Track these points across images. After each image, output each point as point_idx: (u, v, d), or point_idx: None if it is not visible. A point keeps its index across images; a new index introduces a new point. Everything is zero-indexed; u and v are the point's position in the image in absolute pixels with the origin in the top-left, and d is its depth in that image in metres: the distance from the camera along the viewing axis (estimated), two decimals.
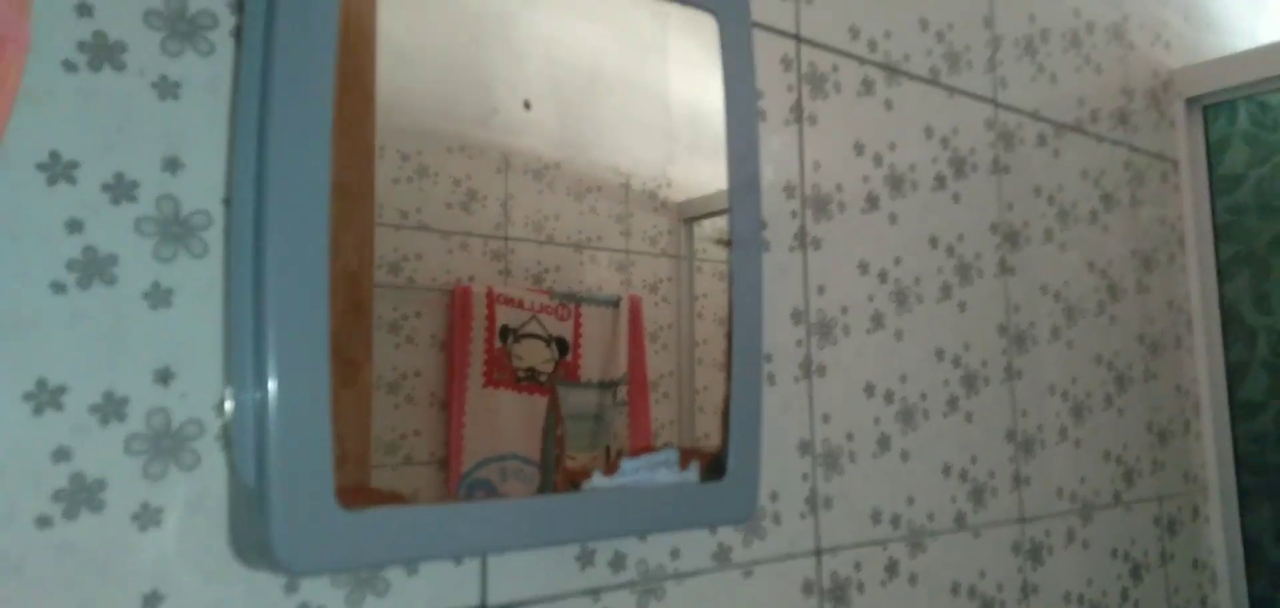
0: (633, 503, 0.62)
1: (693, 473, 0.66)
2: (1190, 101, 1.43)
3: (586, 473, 0.61)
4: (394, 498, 0.53)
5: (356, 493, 0.51)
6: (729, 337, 0.69)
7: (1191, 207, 1.43)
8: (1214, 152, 1.44)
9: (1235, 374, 1.41)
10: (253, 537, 0.49)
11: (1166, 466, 1.32)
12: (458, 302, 0.61)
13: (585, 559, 0.70)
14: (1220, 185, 1.43)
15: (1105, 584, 1.18)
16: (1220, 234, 1.43)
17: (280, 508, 0.47)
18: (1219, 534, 1.39)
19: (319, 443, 0.49)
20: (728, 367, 0.69)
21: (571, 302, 0.66)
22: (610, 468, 0.62)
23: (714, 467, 0.67)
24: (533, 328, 0.64)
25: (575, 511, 0.59)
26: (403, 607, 0.61)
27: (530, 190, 0.65)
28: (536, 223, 0.65)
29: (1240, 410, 1.40)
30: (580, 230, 0.67)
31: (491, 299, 0.63)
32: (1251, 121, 1.41)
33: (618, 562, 0.72)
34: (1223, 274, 1.42)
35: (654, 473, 0.63)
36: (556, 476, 0.61)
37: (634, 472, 0.62)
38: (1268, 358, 1.38)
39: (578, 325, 0.66)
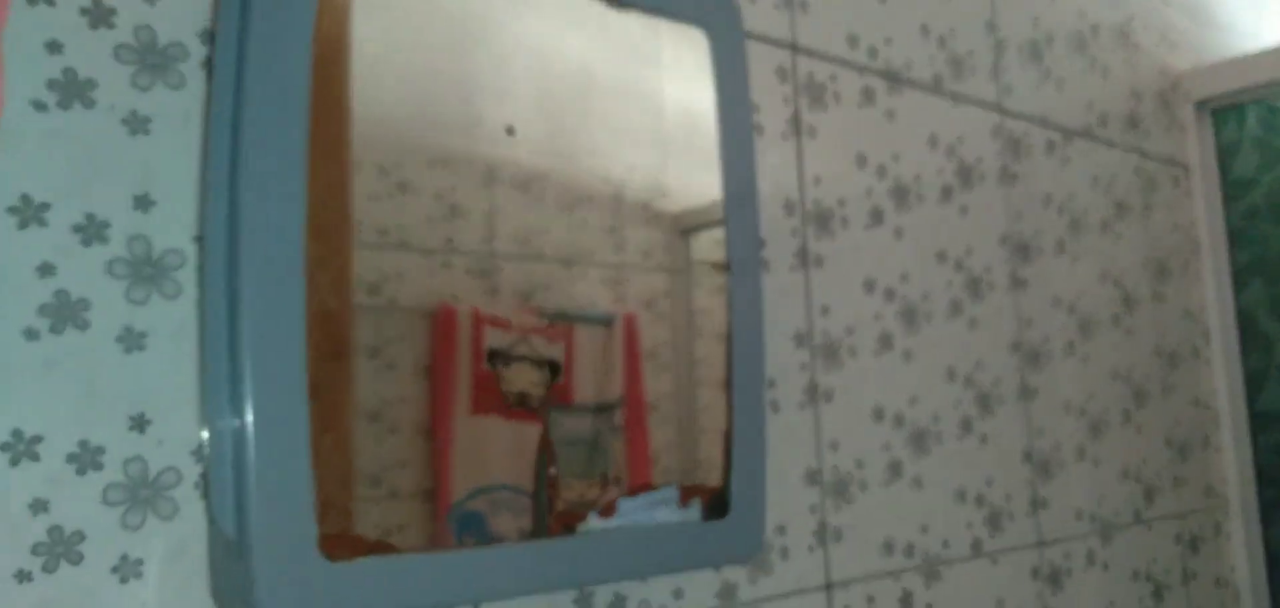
0: (631, 545, 0.58)
1: (694, 511, 0.61)
2: (1199, 104, 1.40)
3: (581, 515, 0.56)
4: (381, 547, 0.49)
5: (341, 542, 0.47)
6: (729, 365, 0.64)
7: (1204, 212, 1.39)
8: (1225, 156, 1.40)
9: (1253, 384, 1.36)
10: (234, 589, 0.46)
11: (1187, 482, 1.28)
12: (441, 323, 0.57)
13: (583, 602, 0.66)
14: (1232, 191, 1.39)
15: (1127, 607, 1.13)
16: (1234, 241, 1.39)
17: (262, 561, 0.44)
18: (1242, 551, 1.34)
19: (300, 491, 0.46)
20: (728, 397, 0.64)
21: (563, 321, 0.62)
22: (607, 510, 0.58)
23: (717, 504, 0.63)
24: (522, 350, 0.60)
25: (571, 555, 0.55)
26: None
27: (517, 203, 0.61)
28: (524, 238, 0.61)
29: (1259, 421, 1.36)
30: (570, 244, 0.63)
31: (478, 320, 0.58)
32: (1261, 125, 1.38)
33: (617, 604, 0.67)
34: (1238, 282, 1.38)
35: (653, 512, 0.59)
36: (550, 518, 0.56)
37: (632, 512, 0.58)
38: None
39: (570, 346, 0.62)
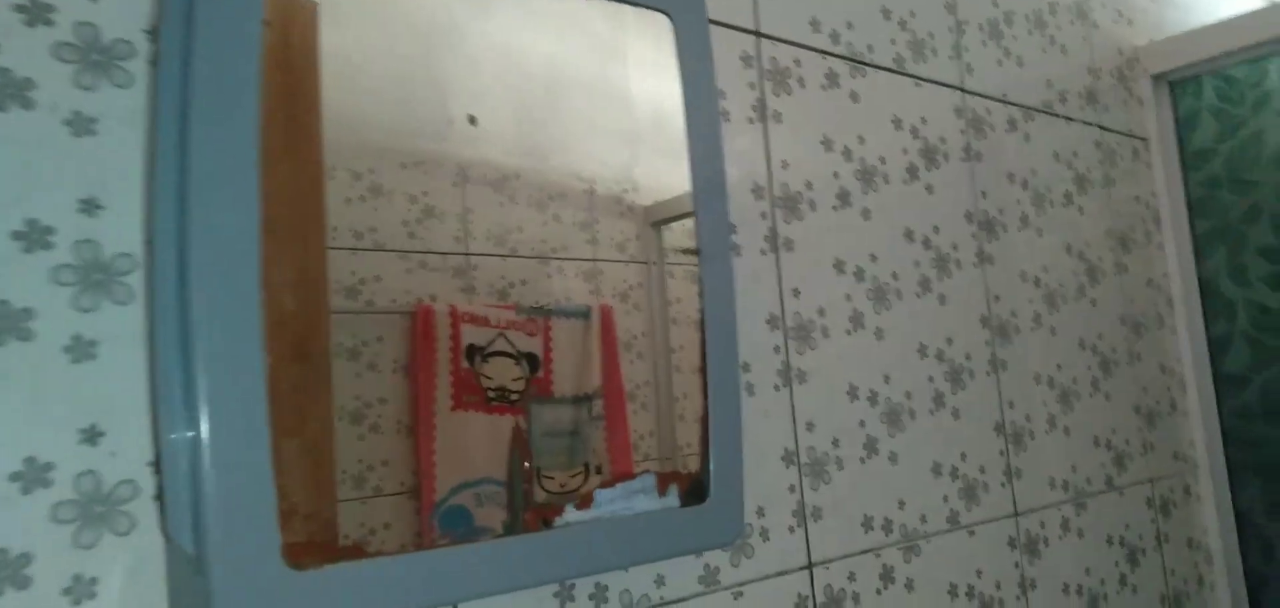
0: (610, 536, 0.58)
1: (672, 498, 0.62)
2: (1156, 78, 1.42)
3: (558, 509, 0.56)
4: (351, 552, 0.48)
5: (309, 550, 0.46)
6: (703, 351, 0.65)
7: (1165, 184, 1.41)
8: (1183, 127, 1.42)
9: (1217, 349, 1.39)
10: (195, 606, 0.45)
11: (1156, 447, 1.30)
12: (419, 323, 0.58)
13: (564, 595, 0.66)
14: (1191, 161, 1.42)
15: (1103, 572, 1.15)
16: (1195, 210, 1.41)
17: (222, 576, 0.43)
18: (1211, 512, 1.37)
19: (262, 500, 0.45)
20: (703, 382, 0.65)
21: (540, 315, 0.63)
22: (584, 501, 0.58)
23: (695, 489, 0.63)
24: (500, 345, 0.61)
25: (548, 549, 0.55)
26: None
27: (490, 202, 0.62)
28: (498, 236, 0.62)
29: (1225, 385, 1.39)
30: (545, 240, 0.64)
31: (455, 318, 0.59)
32: (1218, 96, 1.40)
33: (599, 595, 0.68)
34: (1199, 250, 1.41)
35: (630, 502, 0.59)
36: (526, 512, 0.57)
37: (609, 502, 0.58)
38: (1248, 330, 1.37)
39: (547, 340, 0.63)
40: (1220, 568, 1.36)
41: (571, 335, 0.64)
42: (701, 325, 0.66)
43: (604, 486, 0.59)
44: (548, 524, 0.56)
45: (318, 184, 0.55)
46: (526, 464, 0.58)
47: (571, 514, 0.56)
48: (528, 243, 0.63)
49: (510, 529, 0.56)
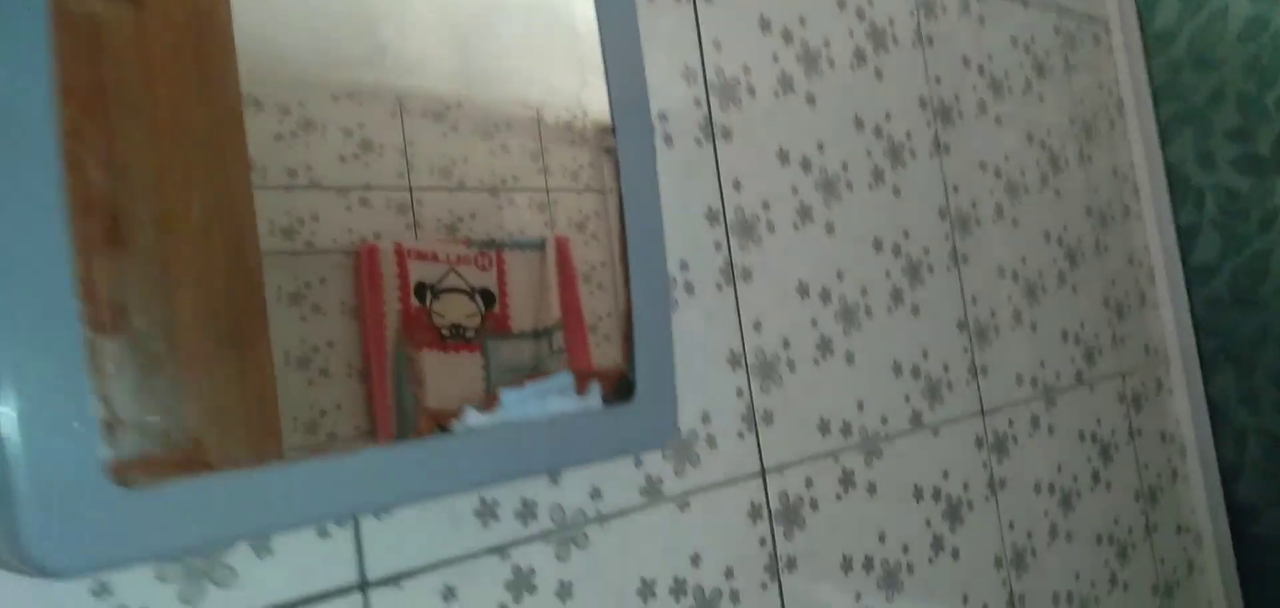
0: (521, 441, 0.52)
1: (594, 398, 0.56)
2: None
3: (455, 412, 0.50)
4: (193, 464, 0.42)
5: (146, 466, 0.40)
6: (622, 235, 0.59)
7: (1127, 69, 1.36)
8: (1144, 10, 1.37)
9: (1186, 238, 1.35)
10: (6, 537, 0.38)
11: (1126, 340, 1.26)
12: (364, 262, 0.54)
13: (486, 513, 0.60)
14: (1154, 45, 1.37)
15: (1075, 468, 1.12)
16: (1158, 95, 1.36)
17: (30, 495, 0.36)
18: (1184, 404, 1.34)
19: (73, 404, 0.38)
20: (624, 272, 0.59)
21: (492, 249, 0.59)
22: (487, 403, 0.52)
23: (621, 389, 0.57)
24: (452, 281, 0.58)
25: (443, 456, 0.49)
26: (256, 598, 0.51)
27: (432, 133, 0.59)
28: (443, 169, 0.59)
29: (1194, 275, 1.35)
30: (493, 172, 0.61)
31: (401, 255, 0.56)
32: None
33: (527, 512, 0.62)
34: (1165, 136, 1.36)
35: (544, 403, 0.53)
36: (419, 419, 0.50)
37: (519, 404, 0.52)
38: (1217, 218, 1.33)
39: (502, 273, 0.60)
40: (1193, 460, 1.33)
41: (527, 268, 0.62)
42: (619, 208, 0.59)
43: (512, 385, 0.53)
44: (444, 430, 0.50)
45: (237, 118, 0.51)
46: (416, 368, 0.52)
47: (472, 418, 0.50)
48: (475, 175, 0.60)
49: (401, 438, 0.50)
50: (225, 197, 0.50)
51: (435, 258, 0.57)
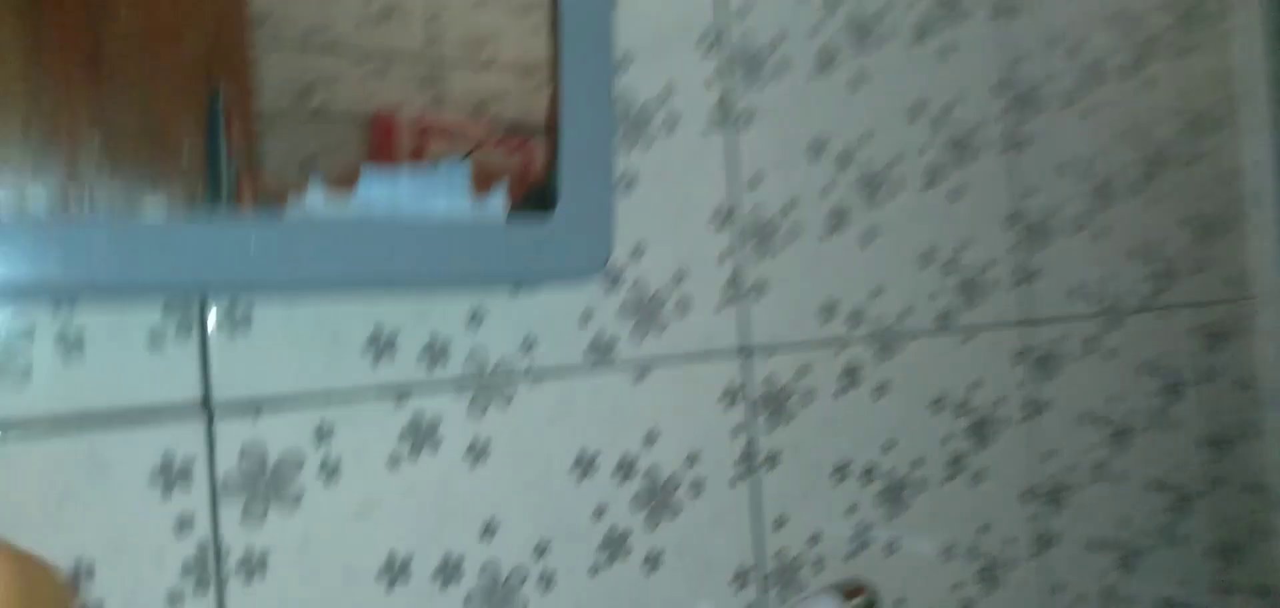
0: (384, 240, 0.41)
1: (496, 203, 0.44)
2: None
3: (295, 186, 0.39)
4: None
5: None
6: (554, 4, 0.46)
7: None
8: None
9: None
10: None
11: (1209, 267, 1.09)
12: (379, 131, 0.47)
13: (379, 347, 0.50)
14: None
15: (1132, 403, 0.97)
16: None
17: None
18: (1269, 348, 1.17)
19: None
20: (553, 45, 0.46)
21: (520, 134, 0.51)
22: (341, 182, 0.41)
23: (536, 197, 0.46)
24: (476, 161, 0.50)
25: (254, 242, 0.38)
26: (59, 401, 0.41)
27: (462, 6, 0.52)
28: (473, 43, 0.51)
29: None
30: (527, 52, 0.52)
31: (422, 129, 0.48)
32: None
33: (437, 351, 0.51)
34: (1275, 35, 1.16)
35: (425, 198, 0.42)
36: (240, 184, 0.39)
37: (387, 192, 0.41)
38: None
39: (528, 160, 0.52)
40: (1274, 412, 1.16)
41: None
42: None
43: (381, 165, 0.41)
44: (277, 209, 0.39)
45: None
46: (243, 121, 0.40)
47: (316, 199, 0.39)
48: (507, 54, 0.53)
49: (211, 207, 0.39)
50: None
51: (457, 135, 0.50)
